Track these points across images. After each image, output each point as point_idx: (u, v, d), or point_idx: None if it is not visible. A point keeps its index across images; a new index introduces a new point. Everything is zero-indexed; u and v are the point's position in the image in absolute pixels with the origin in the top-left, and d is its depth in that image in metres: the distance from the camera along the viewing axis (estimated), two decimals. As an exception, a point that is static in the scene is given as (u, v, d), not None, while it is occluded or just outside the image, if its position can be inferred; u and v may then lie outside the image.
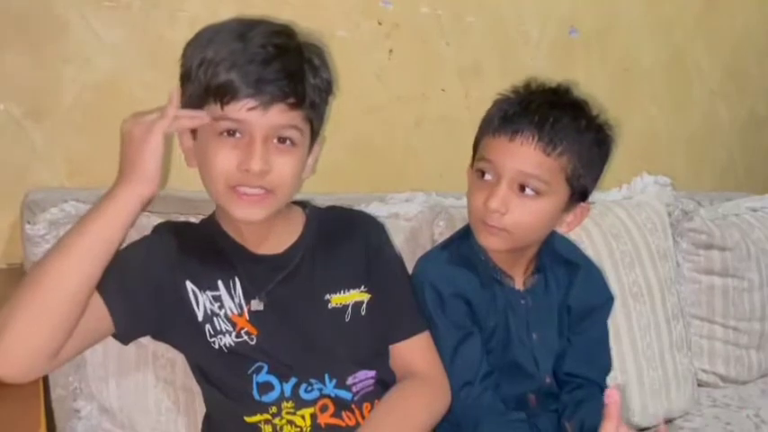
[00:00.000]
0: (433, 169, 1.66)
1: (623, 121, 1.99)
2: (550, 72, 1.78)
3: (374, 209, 1.35)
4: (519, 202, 1.09)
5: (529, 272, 1.22)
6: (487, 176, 1.11)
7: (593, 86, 1.90)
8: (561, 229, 1.20)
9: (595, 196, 1.62)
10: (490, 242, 1.13)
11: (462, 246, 1.21)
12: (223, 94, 0.95)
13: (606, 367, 1.30)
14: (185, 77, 1.00)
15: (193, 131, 1.01)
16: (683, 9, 2.07)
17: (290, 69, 0.97)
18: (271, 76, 0.95)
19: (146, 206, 0.95)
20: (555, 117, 1.09)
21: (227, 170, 0.97)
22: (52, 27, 1.28)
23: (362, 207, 1.33)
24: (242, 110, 0.95)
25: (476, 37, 1.72)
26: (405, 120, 1.66)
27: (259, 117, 0.95)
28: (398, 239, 1.29)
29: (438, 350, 1.13)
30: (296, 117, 0.99)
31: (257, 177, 0.96)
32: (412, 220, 1.38)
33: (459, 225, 1.36)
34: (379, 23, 1.59)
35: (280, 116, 0.97)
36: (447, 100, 1.67)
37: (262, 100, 0.95)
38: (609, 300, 1.33)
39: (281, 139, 0.99)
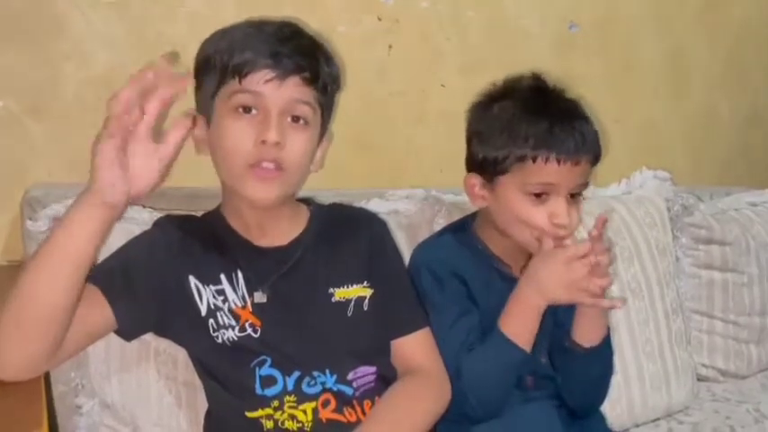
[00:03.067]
0: (433, 165, 1.66)
1: (623, 116, 2.01)
2: (550, 66, 1.78)
3: (374, 205, 1.35)
4: (573, 208, 1.16)
5: (524, 259, 1.23)
6: (543, 196, 1.14)
7: (593, 81, 1.92)
8: None
9: (594, 191, 1.63)
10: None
11: (458, 235, 1.25)
12: (241, 68, 0.97)
13: None
14: (202, 68, 1.02)
15: (207, 121, 1.02)
16: (683, 3, 2.07)
17: (305, 47, 1.01)
18: (287, 51, 0.98)
19: (116, 217, 0.89)
20: (591, 126, 1.17)
21: (244, 147, 0.98)
22: (51, 23, 1.28)
23: (362, 203, 1.33)
24: (260, 82, 0.97)
25: (476, 32, 1.72)
26: (405, 115, 1.66)
27: (275, 89, 0.97)
28: (398, 236, 1.29)
29: (435, 329, 1.14)
30: (310, 94, 1.01)
31: (273, 149, 0.97)
32: (412, 217, 1.38)
33: (459, 222, 1.37)
34: (379, 19, 1.59)
35: (295, 90, 0.99)
36: (447, 95, 1.67)
37: (278, 71, 0.97)
38: None
39: (295, 118, 1.01)
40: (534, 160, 1.12)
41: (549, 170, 1.12)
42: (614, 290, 1.44)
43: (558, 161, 1.11)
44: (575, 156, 1.12)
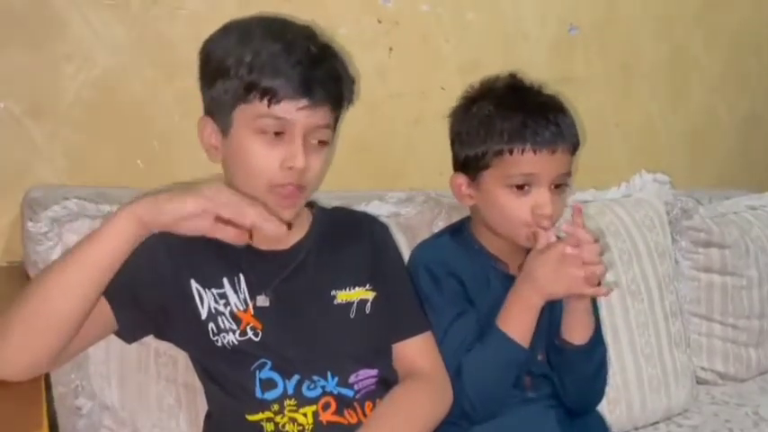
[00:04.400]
0: (432, 167, 1.65)
1: (622, 119, 2.01)
2: (550, 69, 1.80)
3: (374, 208, 1.35)
4: (558, 198, 1.18)
5: (522, 259, 1.24)
6: (526, 187, 1.16)
7: (593, 83, 1.92)
8: None
9: (594, 194, 1.63)
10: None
11: (456, 236, 1.27)
12: (272, 93, 0.97)
13: None
14: (218, 74, 0.99)
15: (224, 130, 1.02)
16: (682, 6, 2.07)
17: (334, 71, 1.02)
18: (319, 78, 0.98)
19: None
20: (568, 118, 1.19)
21: (270, 170, 0.99)
22: (52, 25, 1.27)
23: (362, 205, 1.34)
24: (291, 109, 0.97)
25: (475, 34, 1.72)
26: (404, 117, 1.66)
27: (306, 117, 0.98)
28: (398, 238, 1.30)
29: (433, 329, 1.15)
30: (332, 116, 1.03)
31: (299, 175, 0.99)
32: (411, 219, 1.39)
33: (458, 224, 1.37)
34: (379, 21, 1.59)
35: (323, 115, 1.01)
36: (447, 98, 1.67)
37: (311, 101, 0.98)
38: None
39: (316, 138, 1.02)
40: (511, 153, 1.15)
41: (527, 161, 1.15)
42: (612, 286, 1.44)
43: (534, 151, 1.14)
44: (550, 145, 1.15)
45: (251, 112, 0.98)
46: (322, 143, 1.03)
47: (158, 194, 0.92)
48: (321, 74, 0.99)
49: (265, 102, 0.97)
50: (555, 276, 1.11)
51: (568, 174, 1.19)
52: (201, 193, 0.91)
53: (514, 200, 1.17)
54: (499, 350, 1.14)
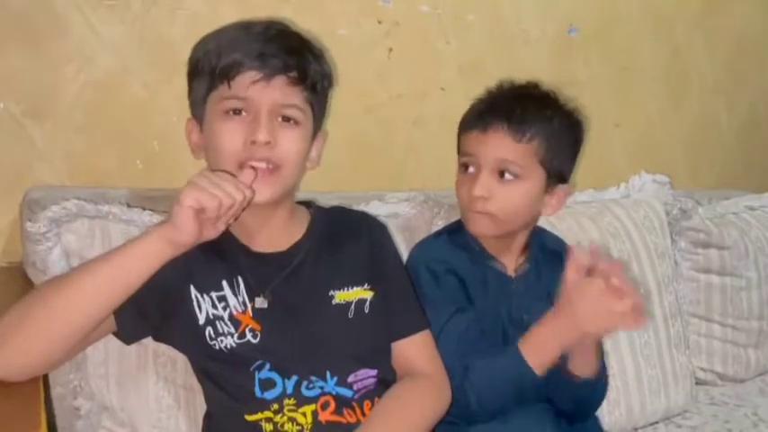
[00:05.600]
0: (432, 168, 1.66)
1: (622, 120, 2.01)
2: (550, 70, 1.80)
3: (373, 208, 1.35)
4: (501, 188, 1.18)
5: (519, 260, 1.26)
6: (470, 169, 1.21)
7: (592, 85, 1.92)
8: (546, 212, 1.27)
9: (593, 195, 1.63)
10: (479, 227, 1.21)
11: (454, 235, 1.28)
12: (229, 70, 0.98)
13: None
14: (193, 73, 1.04)
15: (201, 125, 1.04)
16: (682, 7, 2.07)
17: (291, 46, 1.02)
18: (273, 51, 0.99)
19: (174, 253, 0.95)
20: (522, 107, 1.20)
21: (234, 148, 0.99)
22: (52, 25, 1.28)
23: (362, 206, 1.34)
24: (247, 84, 0.98)
25: (476, 36, 1.72)
26: (404, 118, 1.67)
27: (263, 89, 0.99)
28: (397, 238, 1.30)
29: (432, 326, 1.15)
30: (298, 95, 1.02)
31: (263, 149, 0.99)
32: (411, 220, 1.38)
33: (458, 224, 1.38)
34: (379, 22, 1.59)
35: (282, 90, 1.00)
36: (447, 99, 1.68)
37: (264, 72, 0.98)
38: None
39: (285, 118, 1.02)
40: (462, 134, 1.24)
41: (465, 141, 1.23)
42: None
43: (469, 131, 1.21)
44: (484, 125, 1.18)
45: (216, 97, 1.01)
46: (288, 121, 1.02)
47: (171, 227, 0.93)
48: (276, 47, 1.00)
49: (226, 82, 0.99)
50: (595, 312, 1.04)
51: (513, 162, 1.17)
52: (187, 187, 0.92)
53: (460, 182, 1.23)
54: (512, 369, 1.10)
